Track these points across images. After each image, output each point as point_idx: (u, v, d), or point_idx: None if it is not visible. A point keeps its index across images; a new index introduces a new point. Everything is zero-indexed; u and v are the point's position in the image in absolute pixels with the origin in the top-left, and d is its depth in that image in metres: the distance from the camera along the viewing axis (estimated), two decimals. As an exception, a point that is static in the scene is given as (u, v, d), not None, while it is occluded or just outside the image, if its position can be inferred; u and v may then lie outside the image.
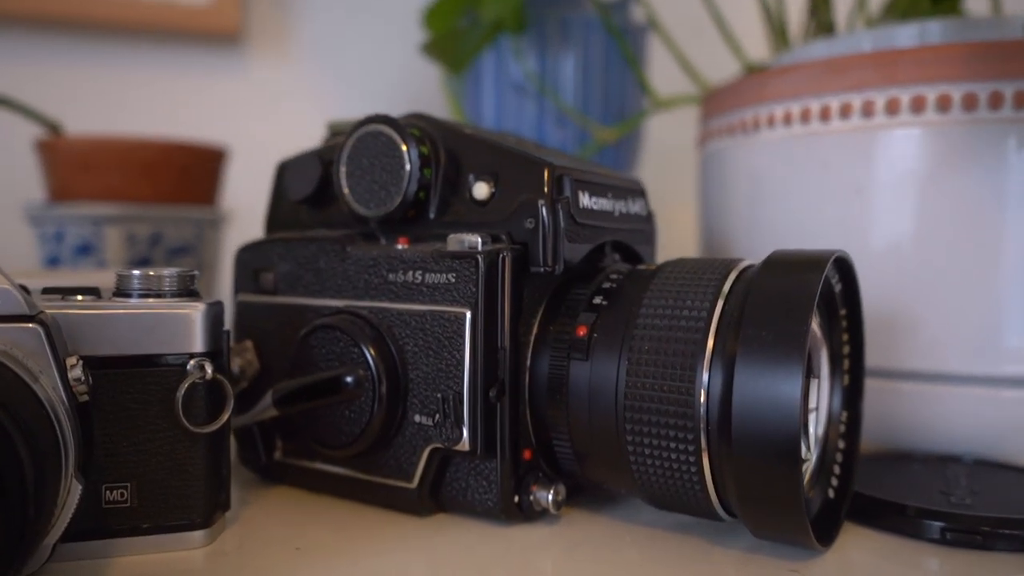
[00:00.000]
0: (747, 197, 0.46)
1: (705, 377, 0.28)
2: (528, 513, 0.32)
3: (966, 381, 0.39)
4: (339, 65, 0.79)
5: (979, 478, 0.35)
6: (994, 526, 0.29)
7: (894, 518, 0.31)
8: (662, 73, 0.63)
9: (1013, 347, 0.38)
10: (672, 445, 0.29)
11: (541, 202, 0.31)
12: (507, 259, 0.31)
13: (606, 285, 0.32)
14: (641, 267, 0.33)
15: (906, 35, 0.41)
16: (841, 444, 0.33)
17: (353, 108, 0.77)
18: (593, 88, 0.59)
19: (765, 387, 0.27)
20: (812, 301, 0.27)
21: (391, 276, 0.33)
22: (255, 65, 0.77)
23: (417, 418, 0.32)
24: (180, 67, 0.75)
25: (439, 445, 0.31)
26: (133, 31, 0.73)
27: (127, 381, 0.28)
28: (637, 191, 0.37)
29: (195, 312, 0.29)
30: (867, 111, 0.40)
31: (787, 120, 0.43)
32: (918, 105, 0.38)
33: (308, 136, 0.77)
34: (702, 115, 0.52)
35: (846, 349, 0.33)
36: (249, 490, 0.36)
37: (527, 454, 0.32)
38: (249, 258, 0.38)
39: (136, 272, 0.29)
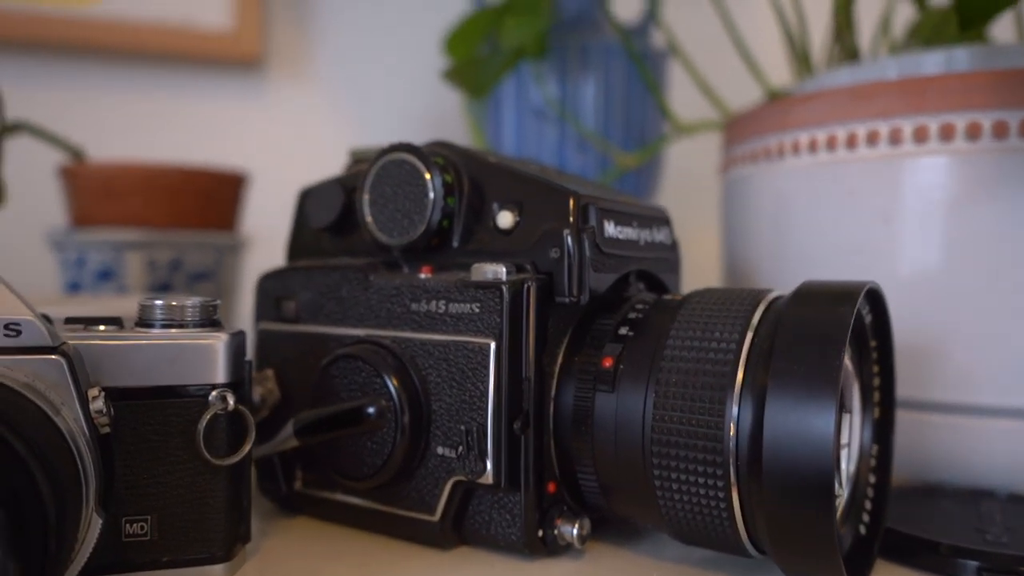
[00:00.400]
0: (772, 224, 0.45)
1: (735, 410, 0.27)
2: (552, 547, 0.31)
3: (998, 413, 0.38)
4: (360, 91, 0.79)
5: (1014, 514, 0.34)
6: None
7: (928, 556, 0.30)
8: (683, 99, 0.63)
9: (1046, 379, 0.37)
10: (701, 480, 0.28)
11: (566, 231, 0.31)
12: (532, 289, 0.31)
13: (632, 315, 0.32)
14: (667, 297, 0.33)
15: (932, 62, 0.41)
16: (872, 479, 0.32)
17: (374, 133, 0.77)
18: (614, 113, 0.59)
19: (797, 422, 0.26)
20: (845, 335, 0.26)
21: (414, 306, 0.33)
22: (276, 91, 0.78)
23: (440, 450, 0.32)
24: (202, 93, 0.75)
25: (462, 478, 0.31)
26: (155, 58, 0.73)
27: (149, 412, 0.28)
28: (662, 219, 0.37)
29: (218, 343, 0.29)
30: (894, 139, 0.39)
31: (812, 147, 0.42)
32: (947, 133, 0.38)
33: (328, 161, 0.78)
34: (725, 141, 0.51)
35: (876, 381, 0.33)
36: (269, 521, 0.36)
37: (552, 487, 0.31)
38: (271, 286, 0.37)
39: (159, 302, 0.29)
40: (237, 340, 0.30)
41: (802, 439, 0.26)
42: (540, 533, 0.31)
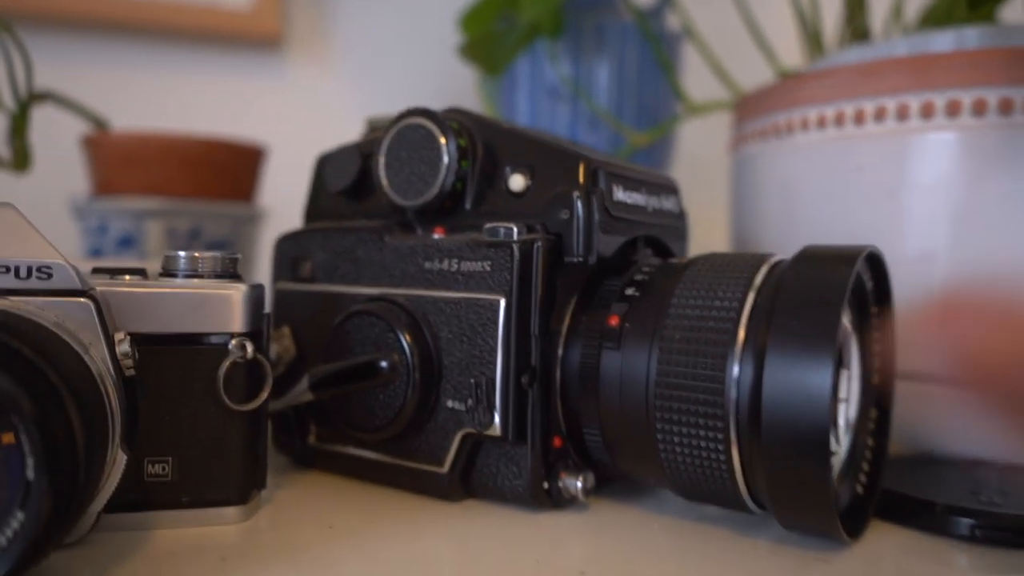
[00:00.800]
0: (779, 201, 0.46)
1: (736, 368, 0.28)
2: (557, 500, 0.32)
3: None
4: (377, 68, 0.80)
5: (1009, 480, 0.35)
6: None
7: (923, 515, 0.31)
8: (697, 80, 0.64)
9: (1047, 353, 0.38)
10: (702, 434, 0.29)
11: (576, 194, 0.32)
12: (541, 249, 0.31)
13: (639, 277, 0.33)
14: (673, 260, 0.34)
15: (942, 41, 0.41)
16: (870, 442, 0.33)
17: (391, 110, 0.78)
18: (627, 93, 0.59)
19: (796, 378, 0.27)
20: (844, 292, 0.27)
21: (427, 264, 0.34)
22: (295, 69, 0.79)
23: (450, 403, 0.33)
24: (223, 70, 0.77)
25: (471, 430, 0.32)
26: (177, 35, 0.74)
27: (171, 358, 0.29)
28: (670, 188, 0.38)
29: (237, 293, 0.30)
30: (902, 114, 0.40)
31: (821, 123, 0.43)
32: (953, 109, 0.39)
33: (346, 137, 0.79)
34: (735, 120, 0.52)
35: (877, 347, 0.34)
36: (283, 474, 0.37)
37: (557, 442, 0.32)
38: (288, 247, 0.39)
39: (182, 253, 0.30)
40: (256, 292, 0.31)
41: (800, 395, 0.27)
42: (546, 486, 0.32)
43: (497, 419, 0.31)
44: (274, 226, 0.71)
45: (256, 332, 0.31)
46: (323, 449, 0.37)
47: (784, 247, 0.47)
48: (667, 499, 0.34)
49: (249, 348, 0.30)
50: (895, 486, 0.32)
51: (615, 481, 0.35)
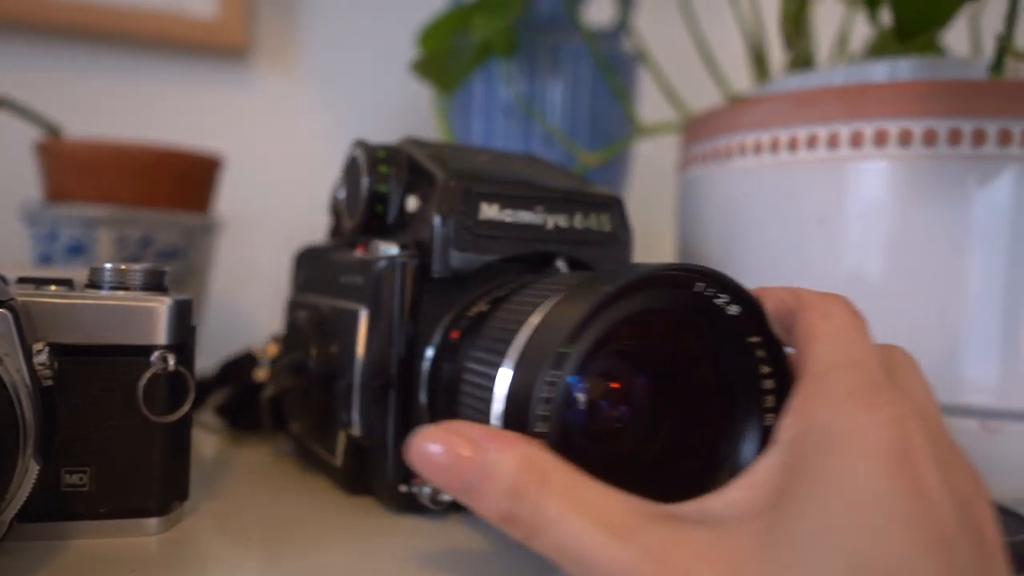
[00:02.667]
0: (720, 223, 0.47)
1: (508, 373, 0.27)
2: (416, 505, 0.33)
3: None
4: (343, 83, 0.81)
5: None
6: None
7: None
8: (653, 101, 0.65)
9: (970, 377, 0.39)
10: None
11: (435, 214, 0.34)
12: (402, 265, 0.34)
13: (501, 293, 0.33)
14: (532, 278, 0.34)
15: (878, 72, 0.43)
16: None
17: (354, 124, 0.79)
18: (581, 113, 0.60)
19: (524, 377, 0.26)
20: (579, 317, 0.25)
21: (343, 278, 0.37)
22: (260, 80, 0.79)
23: (340, 404, 0.35)
24: (186, 80, 0.77)
25: (347, 430, 0.35)
26: (141, 43, 0.75)
27: (92, 369, 0.30)
28: (598, 206, 0.37)
29: (161, 306, 0.30)
30: (832, 143, 0.41)
31: (758, 149, 0.44)
32: (881, 139, 0.40)
33: (309, 151, 0.79)
34: (682, 142, 0.53)
35: (768, 384, 0.29)
36: (216, 484, 0.37)
37: None
38: (295, 261, 0.45)
39: (108, 265, 0.31)
40: (181, 305, 0.31)
41: (520, 396, 0.26)
42: (405, 490, 0.34)
43: (356, 420, 0.34)
44: (236, 236, 0.72)
45: (180, 345, 0.31)
46: (298, 439, 0.41)
47: (727, 267, 0.48)
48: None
49: (171, 360, 0.30)
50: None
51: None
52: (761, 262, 0.44)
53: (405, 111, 0.81)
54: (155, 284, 0.31)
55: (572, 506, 0.22)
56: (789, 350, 0.28)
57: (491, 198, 0.34)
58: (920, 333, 0.39)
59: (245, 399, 0.46)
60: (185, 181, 0.58)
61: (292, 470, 0.40)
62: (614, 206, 0.38)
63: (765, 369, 0.28)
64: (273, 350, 0.43)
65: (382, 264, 0.34)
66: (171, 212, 0.56)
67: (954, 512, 0.20)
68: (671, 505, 0.22)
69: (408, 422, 0.33)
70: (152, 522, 0.31)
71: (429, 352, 0.34)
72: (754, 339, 0.28)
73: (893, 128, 0.39)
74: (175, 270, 0.57)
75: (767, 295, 0.28)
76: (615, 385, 0.29)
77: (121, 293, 0.30)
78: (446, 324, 0.34)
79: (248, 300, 0.76)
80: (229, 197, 0.69)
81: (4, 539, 0.28)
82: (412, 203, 0.36)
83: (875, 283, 0.40)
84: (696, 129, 0.50)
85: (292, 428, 0.41)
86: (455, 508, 0.34)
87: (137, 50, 0.75)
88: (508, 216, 0.34)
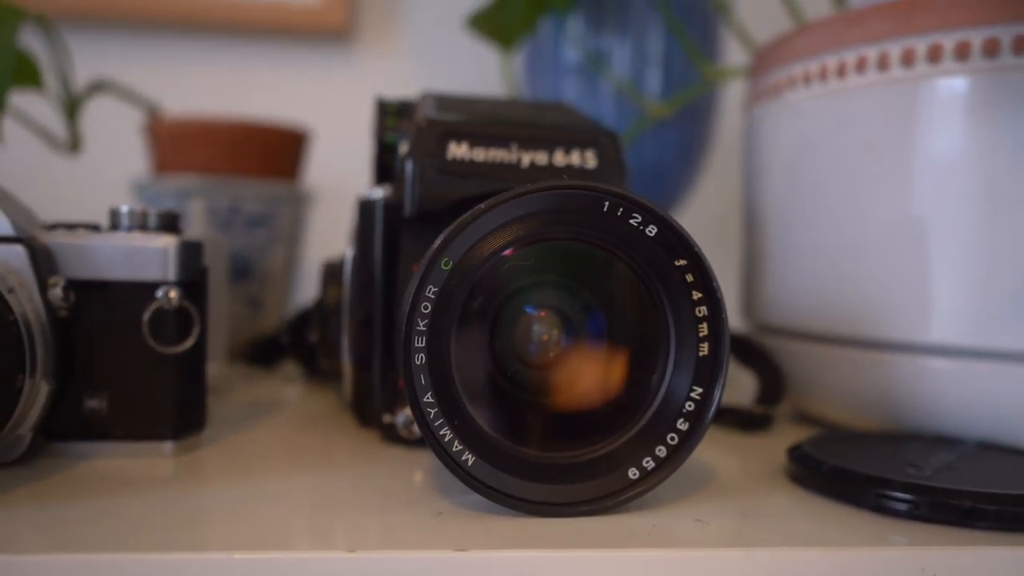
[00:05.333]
0: (778, 166, 0.44)
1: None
2: (397, 434, 0.35)
3: (963, 354, 0.35)
4: (441, 61, 0.82)
5: (966, 456, 0.32)
6: (964, 500, 0.27)
7: (854, 489, 0.29)
8: (735, 55, 0.62)
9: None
10: None
11: (409, 157, 0.34)
12: (377, 206, 0.36)
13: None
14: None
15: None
16: (683, 424, 0.28)
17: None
18: (651, 66, 0.58)
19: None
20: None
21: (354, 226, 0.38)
22: (361, 60, 0.82)
23: (340, 341, 0.38)
24: (291, 65, 0.81)
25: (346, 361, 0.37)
26: (247, 31, 0.80)
27: (106, 303, 0.32)
28: (580, 143, 0.35)
29: (169, 245, 0.32)
30: (883, 64, 0.37)
31: (807, 80, 0.41)
32: (935, 54, 0.36)
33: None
34: (748, 83, 0.50)
35: (701, 311, 0.27)
36: (243, 419, 0.39)
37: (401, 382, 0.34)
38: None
39: (125, 208, 0.33)
40: (189, 246, 0.33)
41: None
42: (389, 420, 0.35)
43: (344, 354, 0.37)
44: (341, 209, 0.76)
45: (187, 282, 0.33)
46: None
47: (787, 215, 0.45)
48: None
49: (174, 295, 0.32)
50: (832, 460, 0.31)
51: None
52: (819, 204, 0.41)
53: (501, 88, 0.81)
54: (169, 226, 0.33)
55: None
56: None
57: (460, 137, 0.34)
58: (993, 266, 0.35)
59: (313, 349, 0.49)
60: (271, 153, 0.61)
61: (333, 409, 0.42)
62: (603, 141, 0.35)
63: (696, 295, 0.27)
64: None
65: (365, 207, 0.36)
66: (257, 181, 0.59)
67: None
68: None
69: (391, 354, 0.34)
70: (167, 446, 0.33)
71: (403, 287, 0.34)
72: (680, 262, 0.26)
73: (948, 41, 0.35)
74: (262, 237, 0.60)
75: None
76: (543, 314, 0.29)
77: (135, 234, 0.33)
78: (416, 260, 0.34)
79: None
80: (332, 172, 0.73)
81: (32, 454, 0.31)
82: (404, 148, 0.36)
83: (938, 216, 0.36)
84: (756, 67, 0.47)
85: (324, 370, 0.44)
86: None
87: (246, 38, 0.80)
88: (479, 155, 0.34)
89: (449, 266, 0.25)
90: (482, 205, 0.25)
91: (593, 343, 0.29)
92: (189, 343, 0.33)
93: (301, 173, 0.65)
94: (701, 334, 0.27)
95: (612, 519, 0.26)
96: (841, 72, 0.39)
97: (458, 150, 0.34)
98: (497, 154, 0.34)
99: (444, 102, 0.37)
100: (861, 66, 0.38)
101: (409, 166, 0.34)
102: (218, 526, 0.25)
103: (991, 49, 0.35)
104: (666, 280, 0.27)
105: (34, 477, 0.30)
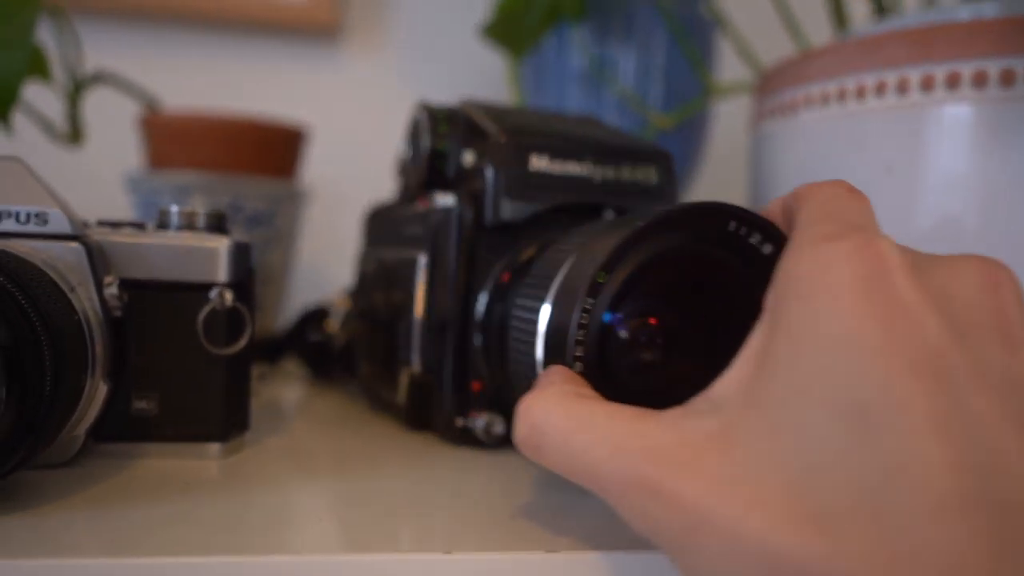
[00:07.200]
0: (790, 181, 0.46)
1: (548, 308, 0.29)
2: (472, 439, 0.35)
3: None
4: (428, 61, 0.82)
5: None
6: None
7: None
8: (732, 67, 0.64)
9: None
10: (527, 377, 0.29)
11: (489, 166, 0.35)
12: (457, 215, 0.36)
13: (545, 241, 0.34)
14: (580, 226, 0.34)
15: (962, 14, 0.40)
16: None
17: (442, 98, 0.80)
18: (654, 77, 0.59)
19: (559, 317, 0.27)
20: (621, 238, 0.26)
21: (406, 230, 0.39)
22: (349, 58, 0.82)
23: (402, 345, 0.38)
24: (280, 59, 0.80)
25: (408, 369, 0.37)
26: (240, 27, 0.79)
27: (158, 303, 0.32)
28: (644, 159, 0.38)
29: (221, 246, 0.32)
30: (902, 88, 0.39)
31: (825, 100, 0.42)
32: (953, 81, 0.38)
33: (397, 126, 0.82)
34: (754, 100, 0.52)
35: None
36: (283, 421, 0.39)
37: (476, 385, 0.36)
38: (365, 219, 0.48)
39: (175, 208, 0.33)
40: (240, 247, 0.33)
41: (556, 333, 0.27)
42: (461, 424, 0.35)
43: (415, 359, 0.37)
44: (331, 206, 0.75)
45: (238, 284, 0.33)
46: (366, 385, 0.44)
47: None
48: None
49: (228, 297, 0.32)
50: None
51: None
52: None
53: (490, 88, 0.82)
54: (217, 226, 0.33)
55: (579, 427, 0.22)
56: None
57: (541, 150, 0.36)
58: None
59: (319, 349, 0.48)
60: (269, 150, 0.61)
61: (356, 411, 0.43)
62: (661, 160, 0.38)
63: None
64: (345, 303, 0.45)
65: (440, 214, 0.36)
66: (257, 178, 0.59)
67: (940, 322, 0.18)
68: (682, 406, 0.22)
69: (463, 360, 0.35)
70: (214, 447, 0.33)
71: (483, 296, 0.36)
72: None
73: (967, 70, 0.37)
74: (262, 235, 0.60)
75: (780, 201, 0.27)
76: (653, 321, 0.30)
77: (186, 234, 0.33)
78: (499, 269, 0.35)
79: (339, 268, 0.80)
80: (320, 171, 0.72)
81: (82, 455, 0.31)
82: (468, 158, 0.37)
83: (948, 235, 0.38)
84: (765, 84, 0.49)
85: (361, 372, 0.43)
86: (508, 442, 0.35)
87: (237, 33, 0.79)
88: (557, 168, 0.36)
89: (604, 279, 0.26)
90: (640, 224, 0.26)
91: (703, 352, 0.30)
92: (242, 344, 0.33)
93: (299, 171, 0.64)
94: None
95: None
96: (860, 94, 0.41)
97: (539, 163, 0.35)
98: (573, 168, 0.36)
99: (502, 113, 0.38)
100: (880, 90, 0.40)
101: (491, 177, 0.35)
102: (289, 529, 0.26)
103: (1008, 79, 0.37)
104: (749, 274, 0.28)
105: (88, 479, 0.29)
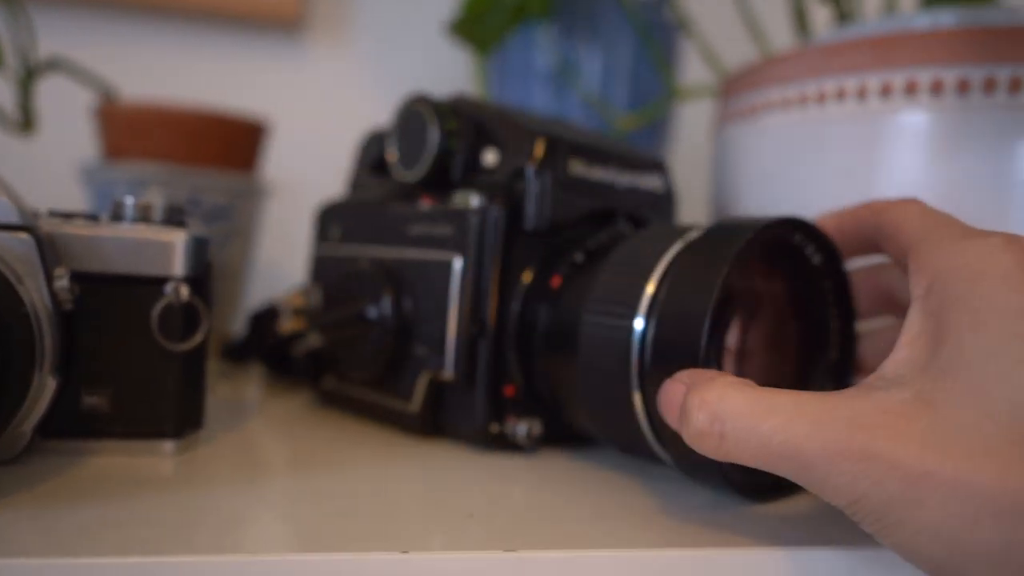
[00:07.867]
0: (751, 184, 0.46)
1: (640, 322, 0.29)
2: (506, 444, 0.35)
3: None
4: (392, 56, 0.82)
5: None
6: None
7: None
8: (695, 70, 0.64)
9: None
10: (610, 384, 0.30)
11: (531, 167, 0.35)
12: (496, 216, 0.35)
13: (591, 246, 0.35)
14: (626, 231, 0.36)
15: (919, 23, 0.41)
16: None
17: (402, 96, 0.80)
18: (619, 79, 0.60)
19: (677, 329, 0.28)
20: (730, 252, 0.28)
21: (412, 229, 0.38)
22: (312, 52, 0.81)
23: (419, 350, 0.37)
24: (241, 51, 0.79)
25: (432, 375, 0.36)
26: (199, 16, 0.77)
27: (111, 296, 0.31)
28: (652, 167, 0.40)
29: (178, 239, 0.32)
30: (861, 94, 0.40)
31: (786, 105, 0.43)
32: (911, 89, 0.38)
33: (361, 119, 0.81)
34: (717, 104, 0.52)
35: (835, 324, 0.33)
36: (240, 420, 0.39)
37: (510, 390, 0.35)
38: (323, 215, 0.45)
39: (130, 200, 0.32)
40: (197, 241, 0.33)
41: (678, 345, 0.28)
42: (496, 429, 0.35)
43: (448, 365, 0.35)
44: (289, 202, 0.74)
45: (195, 278, 0.32)
46: (335, 392, 0.42)
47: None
48: (610, 452, 0.36)
49: (184, 291, 0.31)
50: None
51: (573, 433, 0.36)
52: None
53: (454, 85, 0.81)
54: (174, 219, 0.33)
55: (766, 410, 0.23)
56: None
57: (580, 154, 0.36)
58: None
59: (275, 349, 0.47)
60: (229, 144, 0.60)
61: (317, 415, 0.41)
62: (663, 168, 0.40)
63: (834, 323, 0.32)
64: (299, 301, 0.43)
65: (475, 216, 0.35)
66: (215, 172, 0.58)
67: None
68: (853, 387, 0.24)
69: (498, 365, 0.35)
70: (168, 444, 0.32)
71: (517, 299, 0.35)
72: (827, 284, 0.32)
73: (924, 77, 0.38)
74: (220, 230, 0.59)
75: (847, 215, 0.31)
76: (740, 330, 0.32)
77: (142, 226, 0.32)
78: (537, 272, 0.35)
79: (299, 265, 0.79)
80: (280, 166, 0.71)
81: (28, 452, 0.30)
82: (490, 157, 0.37)
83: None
84: (728, 88, 0.49)
85: (327, 380, 0.42)
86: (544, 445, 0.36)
87: (198, 23, 0.78)
88: (594, 174, 0.36)
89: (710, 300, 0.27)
90: (750, 233, 0.28)
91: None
92: (197, 339, 0.32)
93: (259, 166, 0.63)
94: (831, 357, 0.32)
95: (746, 516, 0.28)
96: (821, 99, 0.41)
97: (578, 167, 0.36)
98: (604, 174, 0.37)
99: (506, 111, 0.38)
100: (841, 95, 0.41)
101: (533, 180, 0.35)
102: (242, 528, 0.25)
103: (963, 88, 0.37)
104: (815, 303, 0.32)
105: (34, 477, 0.28)
